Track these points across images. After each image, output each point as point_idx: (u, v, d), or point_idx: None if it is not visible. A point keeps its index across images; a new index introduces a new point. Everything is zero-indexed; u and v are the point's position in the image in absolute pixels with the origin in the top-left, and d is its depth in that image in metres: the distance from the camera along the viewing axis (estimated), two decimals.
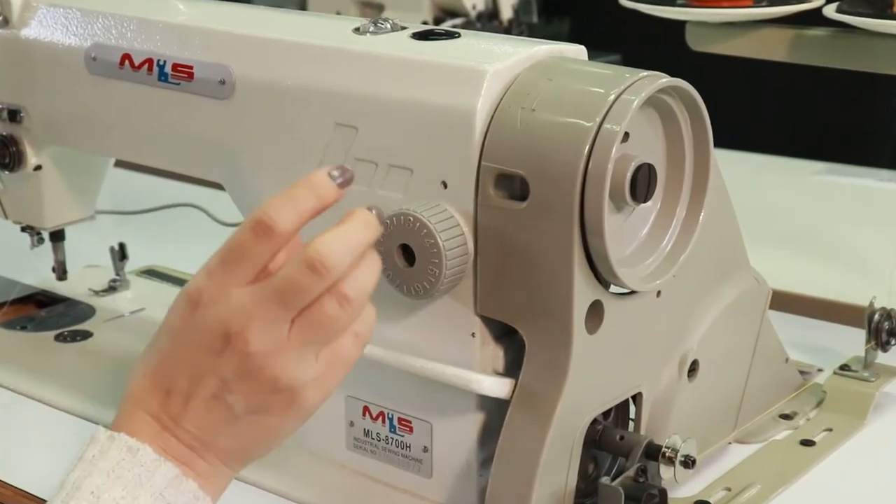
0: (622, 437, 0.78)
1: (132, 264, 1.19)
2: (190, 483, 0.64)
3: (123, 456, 0.64)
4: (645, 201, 0.74)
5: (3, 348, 1.06)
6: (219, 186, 0.88)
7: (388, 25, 0.81)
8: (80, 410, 0.96)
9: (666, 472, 0.77)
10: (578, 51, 0.78)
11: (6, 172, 1.02)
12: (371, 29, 0.80)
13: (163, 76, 0.87)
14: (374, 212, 0.64)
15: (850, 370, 0.97)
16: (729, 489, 0.84)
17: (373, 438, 0.83)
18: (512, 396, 0.75)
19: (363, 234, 0.64)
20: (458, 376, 0.76)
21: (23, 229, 1.07)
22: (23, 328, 1.10)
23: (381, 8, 1.80)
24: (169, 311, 0.65)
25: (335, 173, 0.64)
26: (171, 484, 0.64)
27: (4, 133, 1.00)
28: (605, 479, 0.76)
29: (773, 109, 2.05)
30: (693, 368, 0.83)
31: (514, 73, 0.74)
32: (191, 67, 0.85)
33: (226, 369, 0.63)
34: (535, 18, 1.83)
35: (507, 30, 1.79)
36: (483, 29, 1.75)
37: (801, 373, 0.98)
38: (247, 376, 0.63)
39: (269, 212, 0.63)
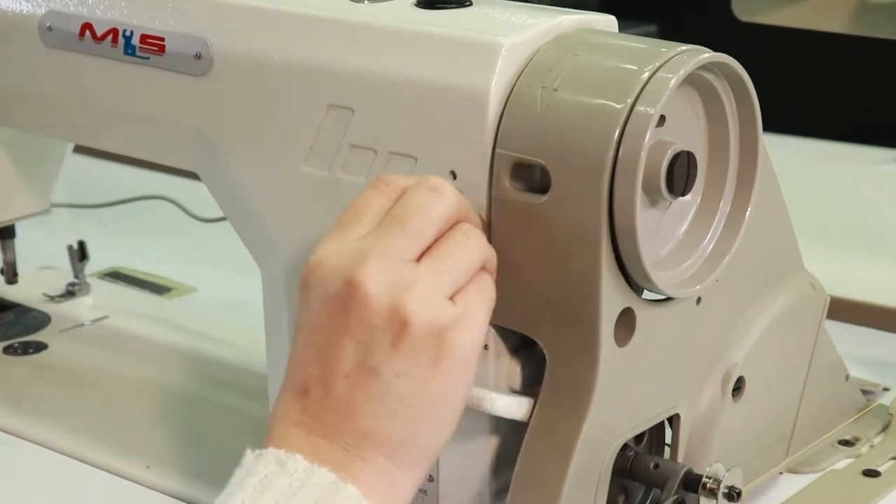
0: (657, 466, 0.79)
1: (93, 265, 1.19)
2: (350, 489, 0.64)
3: (271, 468, 0.64)
4: (683, 195, 0.74)
5: None
6: (193, 176, 0.88)
7: None
8: (32, 434, 0.96)
9: None
10: (608, 21, 0.79)
11: None
12: None
13: (129, 49, 0.87)
14: None
15: None
16: None
17: None
18: (530, 418, 0.75)
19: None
20: (469, 395, 0.76)
21: None
22: None
23: None
24: (295, 320, 0.68)
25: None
26: (328, 491, 0.63)
27: None
28: None
29: (832, 89, 2.05)
30: (738, 387, 0.83)
31: (533, 47, 0.74)
32: (162, 39, 0.86)
33: (356, 325, 0.64)
34: None
35: None
36: None
37: (864, 392, 0.98)
38: (381, 324, 0.64)
39: (390, 175, 0.68)
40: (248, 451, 0.66)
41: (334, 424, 0.65)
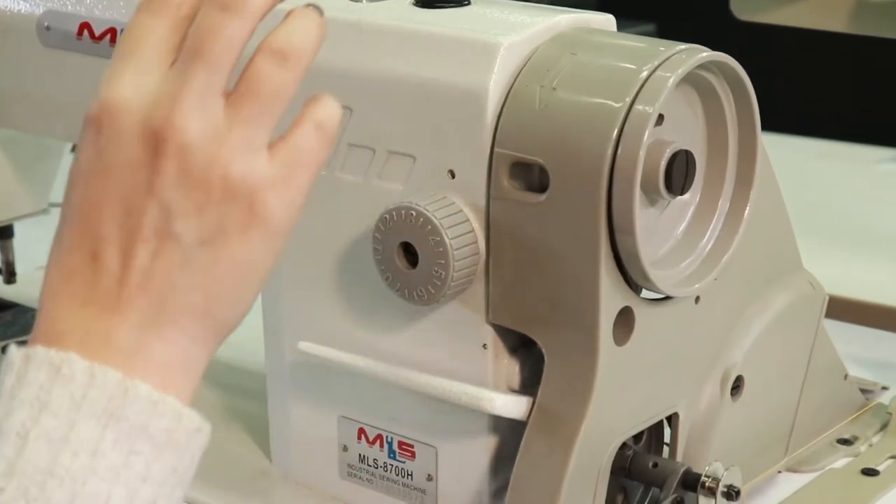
0: (656, 465, 0.79)
1: None
2: (140, 387, 0.55)
3: (44, 376, 0.55)
4: (682, 194, 0.74)
5: None
6: None
7: None
8: None
9: None
10: (606, 20, 0.79)
11: None
12: None
13: None
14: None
15: None
16: None
17: (369, 465, 0.84)
18: (529, 417, 0.76)
19: None
20: (467, 394, 0.77)
21: None
22: None
23: None
24: (73, 161, 0.58)
25: None
26: (116, 393, 0.55)
27: None
28: None
29: (830, 88, 2.05)
30: (737, 386, 0.83)
31: (531, 46, 0.74)
32: None
33: (161, 181, 0.55)
34: None
35: None
36: None
37: (863, 391, 0.98)
38: (191, 181, 0.55)
39: None
40: (14, 349, 0.56)
41: (129, 299, 0.56)
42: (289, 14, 0.59)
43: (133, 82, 0.56)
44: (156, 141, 0.55)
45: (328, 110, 0.59)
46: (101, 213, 0.56)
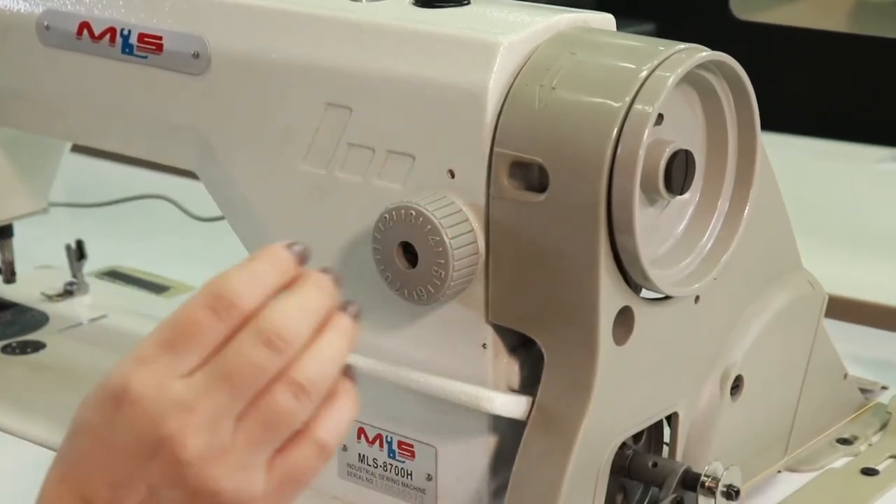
0: (655, 464, 0.79)
1: (91, 265, 1.19)
2: None
3: None
4: (681, 193, 0.74)
5: None
6: (192, 175, 0.89)
7: None
8: (30, 433, 0.96)
9: None
10: (606, 20, 0.79)
11: None
12: None
13: (127, 48, 0.87)
14: (330, 276, 0.60)
15: None
16: None
17: (369, 465, 0.84)
18: (529, 417, 0.76)
19: (320, 302, 0.60)
20: (467, 393, 0.77)
21: None
22: None
23: None
24: (84, 405, 0.61)
25: (297, 248, 0.60)
26: None
27: None
28: None
29: (830, 87, 2.05)
30: (737, 385, 0.83)
31: (531, 45, 0.74)
32: (159, 38, 0.86)
33: (156, 478, 0.58)
34: None
35: None
36: None
37: (863, 391, 0.98)
38: (182, 486, 0.58)
39: (231, 285, 0.59)
40: None
41: None
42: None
43: (162, 384, 0.58)
44: (159, 444, 0.58)
45: (335, 426, 0.60)
46: (100, 474, 0.59)
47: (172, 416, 0.58)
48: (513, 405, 0.76)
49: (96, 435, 0.60)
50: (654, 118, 0.70)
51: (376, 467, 0.83)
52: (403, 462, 0.82)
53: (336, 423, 0.60)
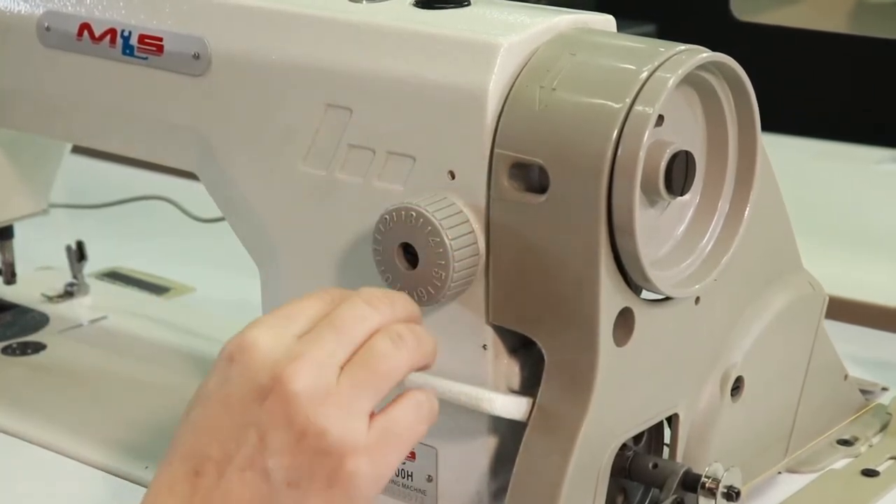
0: (656, 465, 0.79)
1: (92, 266, 1.19)
2: None
3: None
4: (682, 194, 0.74)
5: None
6: (192, 176, 0.89)
7: None
8: (30, 434, 0.96)
9: None
10: (606, 21, 0.79)
11: None
12: None
13: (127, 49, 0.87)
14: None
15: None
16: None
17: None
18: (529, 418, 0.76)
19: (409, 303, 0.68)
20: (467, 395, 0.76)
21: None
22: None
23: None
24: (203, 381, 0.65)
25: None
26: None
27: None
28: None
29: (830, 88, 2.05)
30: (737, 387, 0.83)
31: (531, 46, 0.74)
32: (160, 39, 0.86)
33: (267, 419, 0.62)
34: None
35: None
36: None
37: (863, 392, 0.98)
38: (291, 427, 0.61)
39: (371, 292, 0.66)
40: None
41: None
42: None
43: (274, 334, 0.64)
44: (271, 383, 0.62)
45: (431, 401, 0.66)
46: (211, 434, 0.63)
47: (283, 359, 0.62)
48: (513, 406, 0.76)
49: (210, 396, 0.63)
50: (654, 119, 0.70)
51: None
52: (404, 463, 0.82)
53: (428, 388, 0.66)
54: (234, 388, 0.63)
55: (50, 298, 1.17)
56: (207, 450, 0.62)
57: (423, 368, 0.66)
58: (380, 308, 0.65)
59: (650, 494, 0.81)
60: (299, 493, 0.62)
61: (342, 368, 0.63)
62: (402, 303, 0.67)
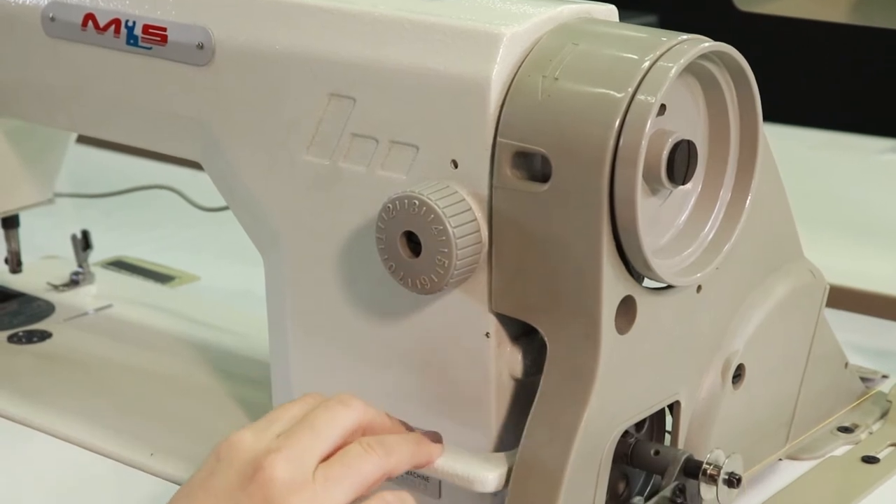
0: (657, 452, 0.79)
1: (97, 255, 1.19)
2: None
3: None
4: (684, 183, 0.74)
5: None
6: (196, 166, 0.89)
7: None
8: (36, 422, 0.96)
9: (707, 491, 0.78)
10: (608, 11, 0.79)
11: None
12: None
13: (132, 39, 0.87)
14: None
15: None
16: None
17: None
18: (529, 417, 0.76)
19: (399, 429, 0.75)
20: (459, 476, 0.78)
21: None
22: None
23: None
24: (190, 477, 0.70)
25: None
26: None
27: None
28: (637, 500, 0.77)
29: (832, 78, 2.05)
30: (738, 374, 0.83)
31: (534, 36, 0.74)
32: (164, 29, 0.86)
33: (247, 501, 0.68)
34: None
35: None
36: None
37: (863, 379, 0.98)
38: None
39: (345, 396, 0.73)
40: None
41: None
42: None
43: (257, 434, 0.71)
44: (253, 472, 0.68)
45: (399, 495, 0.72)
46: None
47: (263, 452, 0.69)
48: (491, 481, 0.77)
49: (196, 487, 0.70)
50: (656, 108, 0.70)
51: None
52: None
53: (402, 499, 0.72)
54: (219, 479, 0.69)
55: (55, 287, 1.17)
56: None
57: (418, 467, 0.75)
58: (352, 405, 0.72)
59: (652, 481, 0.81)
60: None
61: (320, 461, 0.69)
62: (374, 410, 0.73)
